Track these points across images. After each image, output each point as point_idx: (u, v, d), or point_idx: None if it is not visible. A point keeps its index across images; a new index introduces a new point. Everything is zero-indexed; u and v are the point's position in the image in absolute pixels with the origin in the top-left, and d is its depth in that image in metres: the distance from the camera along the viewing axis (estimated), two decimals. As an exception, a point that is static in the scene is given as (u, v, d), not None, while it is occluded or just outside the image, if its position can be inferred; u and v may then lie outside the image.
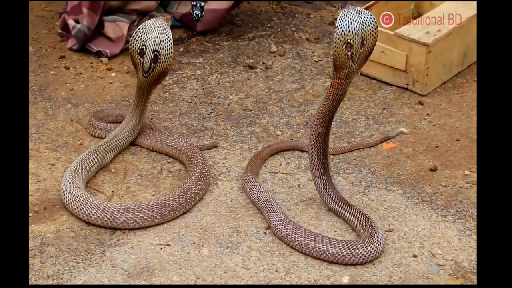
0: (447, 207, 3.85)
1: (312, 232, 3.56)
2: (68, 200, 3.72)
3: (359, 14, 3.56)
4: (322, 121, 3.67)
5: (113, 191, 3.93)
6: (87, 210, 3.66)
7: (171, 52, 4.00)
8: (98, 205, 3.65)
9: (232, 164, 4.14)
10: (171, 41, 3.99)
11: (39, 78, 4.83)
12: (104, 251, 3.54)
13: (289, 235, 3.57)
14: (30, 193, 3.85)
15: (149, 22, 4.01)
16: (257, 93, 4.76)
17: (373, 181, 4.03)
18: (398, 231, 3.69)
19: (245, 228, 3.69)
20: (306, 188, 3.97)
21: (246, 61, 5.07)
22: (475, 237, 3.64)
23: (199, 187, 3.85)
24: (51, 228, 3.66)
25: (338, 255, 3.47)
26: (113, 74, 4.91)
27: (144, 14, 5.27)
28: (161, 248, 3.57)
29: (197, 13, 5.15)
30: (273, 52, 5.17)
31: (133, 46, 4.01)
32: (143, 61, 4.02)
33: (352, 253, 3.47)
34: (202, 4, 5.14)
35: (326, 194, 3.77)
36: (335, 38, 3.54)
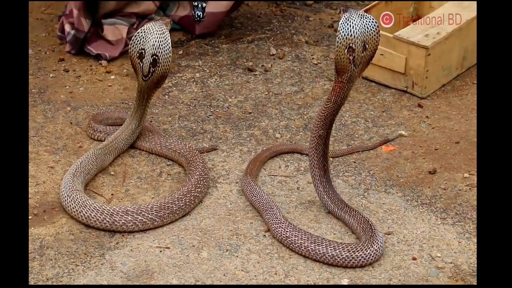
0: (446, 209, 3.84)
1: (312, 234, 3.56)
2: (67, 203, 3.72)
3: (361, 18, 3.55)
4: (323, 123, 3.67)
5: (112, 194, 3.93)
6: (86, 213, 3.66)
7: (170, 56, 4.00)
8: (98, 208, 3.65)
9: (232, 167, 4.14)
10: (170, 45, 3.99)
11: (39, 81, 4.82)
12: (103, 254, 3.54)
13: (289, 238, 3.57)
14: (29, 196, 3.85)
15: (148, 26, 4.01)
16: (257, 96, 4.75)
17: (372, 183, 4.03)
18: (397, 233, 3.69)
19: (245, 231, 3.69)
20: (305, 190, 3.97)
21: (246, 63, 5.07)
22: (474, 239, 3.64)
23: (199, 190, 3.85)
24: (50, 231, 3.66)
25: (338, 257, 3.47)
26: (113, 77, 4.91)
27: (144, 17, 5.27)
28: (161, 251, 3.56)
29: (199, 14, 5.15)
30: (273, 54, 5.17)
31: (132, 50, 4.02)
32: (143, 65, 4.01)
33: (351, 255, 3.47)
34: (204, 4, 5.14)
35: (325, 197, 3.76)
36: (337, 42, 3.53)
